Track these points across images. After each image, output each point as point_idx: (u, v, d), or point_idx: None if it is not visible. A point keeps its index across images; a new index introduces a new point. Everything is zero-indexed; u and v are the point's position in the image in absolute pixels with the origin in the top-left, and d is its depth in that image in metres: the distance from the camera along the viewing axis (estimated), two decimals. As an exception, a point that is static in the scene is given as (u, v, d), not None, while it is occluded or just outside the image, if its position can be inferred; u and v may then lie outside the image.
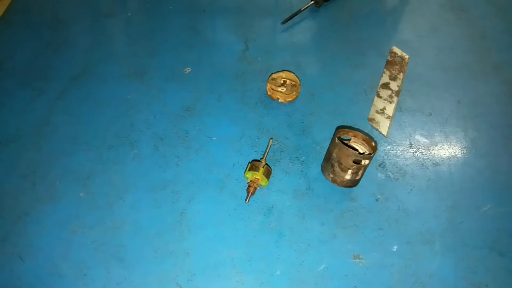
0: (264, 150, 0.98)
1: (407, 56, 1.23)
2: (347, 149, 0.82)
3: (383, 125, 1.05)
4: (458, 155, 1.01)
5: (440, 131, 1.05)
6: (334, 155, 0.86)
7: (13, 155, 0.96)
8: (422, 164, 0.98)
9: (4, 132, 1.01)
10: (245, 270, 0.81)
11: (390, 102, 1.10)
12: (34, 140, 0.99)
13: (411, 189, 0.94)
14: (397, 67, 1.19)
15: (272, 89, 1.06)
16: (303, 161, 0.98)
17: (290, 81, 1.07)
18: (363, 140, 0.89)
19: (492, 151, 1.02)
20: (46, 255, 0.81)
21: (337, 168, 0.88)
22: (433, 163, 0.99)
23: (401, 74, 1.18)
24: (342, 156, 0.84)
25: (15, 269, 0.80)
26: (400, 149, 1.01)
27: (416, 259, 0.83)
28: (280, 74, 1.09)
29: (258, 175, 0.88)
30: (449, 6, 1.40)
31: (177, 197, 0.90)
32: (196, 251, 0.83)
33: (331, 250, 0.84)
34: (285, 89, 1.06)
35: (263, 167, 0.89)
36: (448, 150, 1.02)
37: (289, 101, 1.08)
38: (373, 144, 0.87)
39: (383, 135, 1.03)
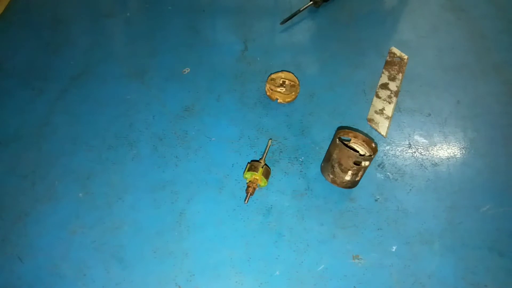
0: (263, 150, 0.98)
1: (406, 57, 1.23)
2: (348, 150, 0.82)
3: (382, 126, 1.05)
4: (457, 156, 1.01)
5: (439, 131, 1.05)
6: (335, 156, 0.86)
7: (13, 155, 0.97)
8: (421, 164, 0.98)
9: (4, 132, 1.01)
10: (244, 271, 0.81)
11: (389, 103, 1.10)
12: (34, 140, 0.99)
13: (410, 190, 0.94)
14: (396, 67, 1.19)
15: (271, 90, 1.06)
16: (302, 162, 0.98)
17: (289, 82, 1.07)
18: (363, 141, 0.89)
19: (492, 152, 1.02)
20: (45, 255, 0.82)
21: (337, 169, 0.88)
22: (432, 164, 0.99)
23: (400, 74, 1.18)
24: (343, 157, 0.84)
25: (14, 269, 0.80)
26: (399, 150, 1.01)
27: (415, 260, 0.83)
28: (279, 74, 1.09)
29: (257, 176, 0.88)
30: (449, 6, 1.40)
31: (176, 197, 0.91)
32: (195, 251, 0.83)
33: (330, 250, 0.84)
34: (284, 90, 1.06)
35: (262, 167, 0.89)
36: (447, 151, 1.02)
37: (288, 102, 1.08)
38: (373, 145, 0.87)
39: (382, 135, 1.03)
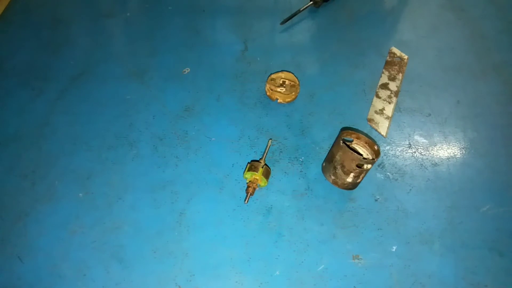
0: (263, 150, 0.98)
1: (406, 57, 1.23)
2: (352, 153, 0.82)
3: (382, 126, 1.05)
4: (457, 156, 1.01)
5: (439, 131, 1.05)
6: (338, 157, 0.86)
7: (13, 155, 0.97)
8: (421, 164, 0.98)
9: (4, 132, 1.01)
10: (244, 271, 0.81)
11: (389, 103, 1.10)
12: (34, 140, 0.99)
13: (410, 190, 0.94)
14: (396, 67, 1.19)
15: (271, 90, 1.06)
16: (302, 162, 0.98)
17: (289, 82, 1.07)
18: (366, 143, 0.89)
19: (492, 152, 1.01)
20: (45, 255, 0.82)
21: (339, 171, 0.87)
22: (432, 164, 0.99)
23: (400, 74, 1.18)
24: (346, 159, 0.84)
25: (14, 269, 0.80)
26: (399, 150, 1.01)
27: (415, 260, 0.83)
28: (279, 74, 1.09)
29: (257, 176, 0.88)
30: (449, 6, 1.40)
31: (176, 197, 0.90)
32: (195, 252, 0.83)
33: (330, 250, 0.84)
34: (284, 90, 1.06)
35: (262, 167, 0.89)
36: (447, 151, 1.02)
37: (288, 102, 1.08)
38: (375, 147, 0.87)
39: (382, 135, 1.03)
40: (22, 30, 1.27)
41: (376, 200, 0.92)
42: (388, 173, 0.96)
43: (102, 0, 1.39)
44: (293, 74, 1.10)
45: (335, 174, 0.89)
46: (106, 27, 1.30)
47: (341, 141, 0.84)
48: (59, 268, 0.80)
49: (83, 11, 1.34)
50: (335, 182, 0.91)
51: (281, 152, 0.99)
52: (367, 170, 0.86)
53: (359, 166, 0.84)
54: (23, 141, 0.99)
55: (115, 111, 1.06)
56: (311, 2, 1.33)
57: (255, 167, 0.89)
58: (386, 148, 1.01)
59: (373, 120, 1.06)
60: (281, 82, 1.07)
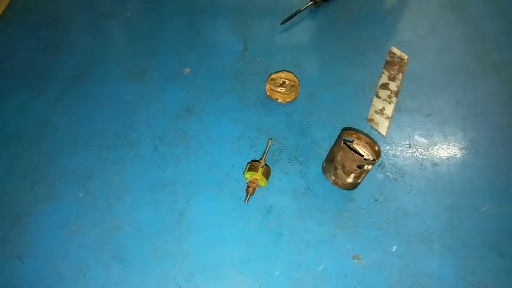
0: (263, 150, 0.98)
1: (406, 57, 1.23)
2: (353, 153, 0.82)
3: (382, 126, 1.05)
4: (457, 156, 1.01)
5: (439, 131, 1.05)
6: (339, 158, 0.86)
7: (13, 155, 0.97)
8: (421, 164, 0.98)
9: (4, 132, 1.01)
10: (244, 271, 0.81)
11: (389, 103, 1.10)
12: (34, 140, 0.99)
13: (410, 190, 0.94)
14: (396, 67, 1.19)
15: (271, 90, 1.06)
16: (302, 162, 0.98)
17: (289, 82, 1.07)
18: (366, 143, 0.89)
19: (492, 152, 1.01)
20: (45, 255, 0.82)
21: (340, 171, 0.87)
22: (432, 164, 0.99)
23: (400, 74, 1.18)
24: (347, 160, 0.84)
25: (14, 269, 0.80)
26: (399, 150, 1.01)
27: (415, 260, 0.83)
28: (279, 74, 1.09)
29: (257, 176, 0.88)
30: (449, 6, 1.40)
31: (176, 197, 0.90)
32: (195, 252, 0.83)
33: (330, 250, 0.84)
34: (284, 90, 1.06)
35: (262, 167, 0.89)
36: (447, 151, 1.02)
37: (288, 102, 1.08)
38: (376, 148, 0.87)
39: (382, 135, 1.03)
40: (22, 30, 1.27)
41: (376, 200, 0.92)
42: (388, 173, 0.96)
43: (102, 0, 1.39)
44: (293, 74, 1.10)
45: (335, 174, 0.89)
46: (106, 27, 1.30)
47: (342, 142, 0.84)
48: (59, 268, 0.80)
49: (83, 11, 1.34)
50: (335, 183, 0.91)
51: (281, 152, 0.99)
52: (368, 170, 0.86)
53: (360, 166, 0.84)
54: (23, 141, 0.99)
55: (115, 111, 1.06)
56: (311, 2, 1.33)
57: (255, 167, 0.89)
58: (386, 148, 1.01)
59: (373, 120, 1.06)
60: (281, 82, 1.07)
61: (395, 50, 1.24)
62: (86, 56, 1.20)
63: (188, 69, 1.17)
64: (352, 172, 0.85)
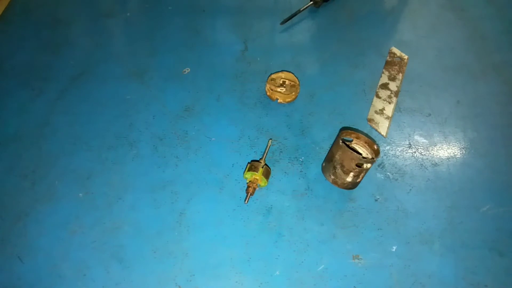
0: (263, 150, 0.98)
1: (406, 57, 1.23)
2: (351, 152, 0.82)
3: (382, 126, 1.05)
4: (457, 156, 1.01)
5: (439, 131, 1.05)
6: (337, 157, 0.86)
7: (13, 155, 0.97)
8: (421, 164, 0.98)
9: (4, 132, 1.01)
10: (244, 271, 0.81)
11: (389, 103, 1.10)
12: (34, 140, 0.99)
13: (410, 190, 0.94)
14: (396, 67, 1.19)
15: (271, 90, 1.06)
16: (302, 162, 0.98)
17: (289, 82, 1.07)
18: (365, 143, 0.89)
19: (492, 152, 1.01)
20: (45, 255, 0.82)
21: (339, 170, 0.87)
22: (432, 164, 0.99)
23: (400, 74, 1.18)
24: (346, 159, 0.84)
25: (14, 269, 0.80)
26: (399, 150, 1.01)
27: (415, 260, 0.83)
28: (279, 74, 1.09)
29: (257, 176, 0.88)
30: (449, 6, 1.40)
31: (176, 197, 0.90)
32: (195, 252, 0.83)
33: (330, 250, 0.84)
34: (284, 90, 1.06)
35: (262, 167, 0.89)
36: (447, 151, 1.02)
37: (288, 102, 1.08)
38: (375, 147, 0.87)
39: (382, 135, 1.03)
40: (22, 30, 1.27)
41: (376, 200, 0.92)
42: (388, 173, 0.96)
43: (102, 0, 1.39)
44: (293, 74, 1.10)
45: (334, 173, 0.89)
46: (106, 27, 1.30)
47: (341, 141, 0.84)
48: (59, 268, 0.80)
49: (83, 11, 1.34)
50: (335, 182, 0.91)
51: (281, 152, 0.99)
52: (367, 169, 0.86)
53: (359, 165, 0.84)
54: (23, 141, 0.99)
55: (115, 111, 1.06)
56: (311, 2, 1.33)
57: (255, 167, 0.89)
58: (386, 148, 1.01)
59: (373, 120, 1.06)
60: (281, 82, 1.07)
61: (395, 50, 1.24)
62: (86, 56, 1.20)
63: (188, 69, 1.17)
64: (351, 171, 0.85)
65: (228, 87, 1.12)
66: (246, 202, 0.88)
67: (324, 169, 0.94)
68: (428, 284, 0.80)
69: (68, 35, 1.26)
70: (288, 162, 0.97)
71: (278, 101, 1.07)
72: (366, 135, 1.01)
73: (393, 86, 1.15)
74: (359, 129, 1.04)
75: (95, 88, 1.11)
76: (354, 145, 0.91)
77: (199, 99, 1.09)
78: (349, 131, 0.89)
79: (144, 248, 0.83)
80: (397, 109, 1.10)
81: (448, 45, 1.27)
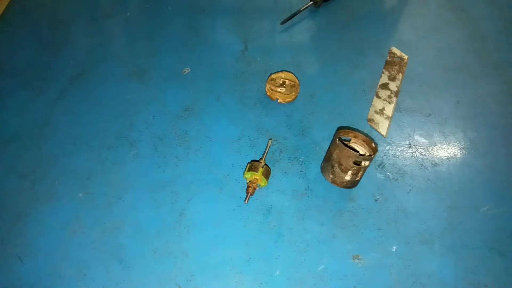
0: (263, 150, 0.98)
1: (406, 57, 1.23)
2: (348, 150, 0.82)
3: (382, 126, 1.05)
4: (457, 156, 1.01)
5: (439, 131, 1.05)
6: (335, 155, 0.86)
7: (13, 155, 0.97)
8: (421, 164, 0.98)
9: (4, 132, 1.01)
10: (244, 271, 0.81)
11: (389, 103, 1.10)
12: (34, 140, 0.99)
13: (410, 190, 0.94)
14: (396, 67, 1.19)
15: (271, 90, 1.06)
16: (302, 162, 0.98)
17: (289, 82, 1.07)
18: (363, 141, 0.89)
19: (492, 152, 1.01)
20: (45, 255, 0.82)
21: (337, 169, 0.88)
22: (432, 164, 0.99)
23: (400, 74, 1.18)
24: (343, 157, 0.84)
25: (14, 269, 0.80)
26: (399, 150, 1.01)
27: (415, 260, 0.83)
28: (279, 74, 1.09)
29: (257, 176, 0.88)
30: (449, 6, 1.40)
31: (176, 197, 0.90)
32: (195, 252, 0.83)
33: (330, 250, 0.84)
34: (284, 90, 1.06)
35: (262, 167, 0.89)
36: (447, 151, 1.02)
37: (288, 102, 1.08)
38: (373, 145, 0.87)
39: (382, 135, 1.03)
40: (22, 30, 1.27)
41: (376, 200, 0.92)
42: (388, 173, 0.96)
43: (102, 0, 1.39)
44: (293, 74, 1.10)
45: (333, 172, 0.89)
46: (106, 27, 1.30)
47: (337, 139, 0.84)
48: (59, 268, 0.80)
49: (83, 11, 1.34)
50: (333, 181, 0.91)
51: (281, 152, 0.99)
52: (365, 167, 0.86)
53: (357, 163, 0.84)
54: (23, 141, 0.99)
55: (115, 111, 1.06)
56: (311, 2, 1.33)
57: (255, 167, 0.89)
58: (386, 148, 1.01)
59: (373, 120, 1.06)
60: (281, 82, 1.07)
61: (395, 50, 1.24)
62: (86, 56, 1.20)
63: (188, 69, 1.17)
64: (349, 169, 0.85)
65: (228, 87, 1.12)
66: (246, 202, 0.88)
67: (323, 169, 0.94)
68: (428, 284, 0.80)
69: (68, 35, 1.26)
70: (288, 162, 0.97)
71: (278, 101, 1.07)
72: (365, 134, 1.01)
73: (393, 86, 1.15)
74: (359, 129, 1.04)
75: (95, 88, 1.11)
76: (353, 144, 0.91)
77: (199, 99, 1.09)
78: (347, 130, 0.90)
79: (144, 248, 0.83)
80: (397, 109, 1.10)
81: (448, 45, 1.27)
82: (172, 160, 0.97)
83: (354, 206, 0.90)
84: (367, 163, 0.84)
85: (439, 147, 1.02)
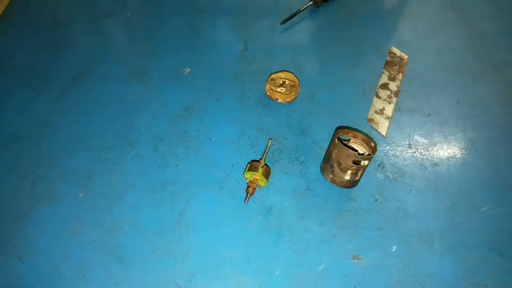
0: (263, 150, 0.98)
1: (406, 57, 1.23)
2: (347, 149, 0.82)
3: (382, 126, 1.05)
4: (457, 156, 1.01)
5: (439, 131, 1.05)
6: (334, 155, 0.87)
7: (13, 155, 0.97)
8: (421, 164, 0.98)
9: (4, 132, 1.01)
10: (244, 271, 0.81)
11: (389, 103, 1.10)
12: (34, 140, 0.99)
13: (410, 190, 0.94)
14: (396, 67, 1.19)
15: (271, 90, 1.06)
16: (302, 162, 0.98)
17: (289, 82, 1.07)
18: (363, 141, 0.89)
19: (492, 151, 1.01)
20: (45, 255, 0.82)
21: (336, 169, 0.88)
22: (432, 164, 0.99)
23: (400, 74, 1.18)
24: (342, 156, 0.85)
25: (14, 269, 0.80)
26: (399, 150, 1.01)
27: (415, 260, 0.83)
28: (279, 74, 1.09)
29: (257, 176, 0.88)
30: (449, 6, 1.40)
31: (176, 197, 0.90)
32: (195, 252, 0.83)
33: (330, 250, 0.84)
34: (284, 90, 1.06)
35: (262, 167, 0.89)
36: (447, 151, 1.02)
37: (288, 102, 1.08)
38: (372, 144, 0.87)
39: (382, 135, 1.03)
40: (22, 30, 1.27)
41: (376, 200, 0.92)
42: (388, 173, 0.96)
43: (102, 0, 1.39)
44: (293, 74, 1.10)
45: (332, 172, 0.89)
46: (106, 27, 1.30)
47: (336, 139, 0.84)
48: (59, 268, 0.80)
49: (83, 11, 1.34)
50: (333, 181, 0.91)
51: (281, 152, 0.99)
52: (365, 167, 0.86)
53: (356, 162, 0.84)
54: (23, 141, 0.99)
55: (115, 111, 1.06)
56: (311, 2, 1.33)
57: (255, 167, 0.89)
58: (386, 148, 1.01)
59: (373, 120, 1.06)
60: (281, 82, 1.07)
61: (395, 50, 1.24)
62: (86, 56, 1.20)
63: (188, 69, 1.17)
64: (348, 169, 0.85)
65: (228, 87, 1.12)
66: (246, 202, 0.88)
67: (322, 169, 0.94)
68: (428, 284, 0.80)
69: (68, 35, 1.26)
70: (288, 162, 0.97)
71: (278, 101, 1.07)
72: (364, 134, 1.01)
73: (393, 86, 1.15)
74: (359, 129, 1.04)
75: (95, 88, 1.11)
76: (352, 144, 0.91)
77: (199, 99, 1.09)
78: (346, 130, 0.90)
79: (144, 248, 0.83)
80: (397, 109, 1.10)
81: (448, 45, 1.27)
82: (172, 160, 0.97)
83: (354, 206, 0.90)
84: (366, 162, 0.84)
85: (439, 147, 1.02)
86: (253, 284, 0.80)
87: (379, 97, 1.12)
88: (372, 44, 1.26)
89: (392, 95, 1.12)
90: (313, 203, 0.91)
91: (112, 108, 1.07)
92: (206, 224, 0.87)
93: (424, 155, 1.00)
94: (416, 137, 1.04)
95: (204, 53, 1.21)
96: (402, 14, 1.38)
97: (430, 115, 1.09)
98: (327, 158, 0.90)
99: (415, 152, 1.01)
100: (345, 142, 0.88)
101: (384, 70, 1.18)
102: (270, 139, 1.00)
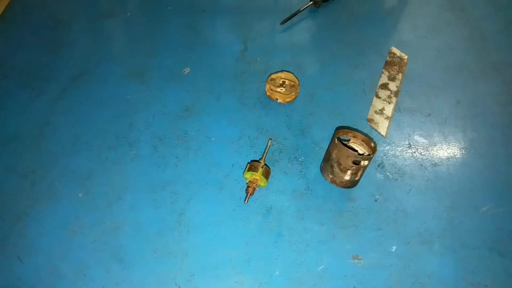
0: (263, 150, 0.98)
1: (406, 57, 1.23)
2: (347, 149, 0.82)
3: (382, 126, 1.05)
4: (457, 156, 1.01)
5: (439, 131, 1.05)
6: (334, 155, 0.87)
7: (13, 155, 0.97)
8: (421, 164, 0.98)
9: (4, 132, 1.01)
10: (244, 271, 0.81)
11: (389, 103, 1.10)
12: (34, 140, 0.99)
13: (410, 190, 0.94)
14: (396, 67, 1.19)
15: (271, 90, 1.06)
16: (302, 162, 0.98)
17: (289, 82, 1.07)
18: (362, 141, 0.89)
19: (491, 152, 1.01)
20: (45, 255, 0.82)
21: (336, 169, 0.88)
22: (432, 164, 0.99)
23: (400, 74, 1.18)
24: (342, 156, 0.85)
25: (14, 269, 0.80)
26: (399, 150, 1.01)
27: (415, 260, 0.83)
28: (279, 74, 1.09)
29: (257, 176, 0.88)
30: (449, 6, 1.40)
31: (176, 197, 0.91)
32: (195, 252, 0.83)
33: (330, 250, 0.84)
34: (284, 90, 1.06)
35: (262, 167, 0.89)
36: (447, 151, 1.02)
37: (288, 102, 1.08)
38: (372, 145, 0.87)
39: (382, 135, 1.03)
40: (22, 30, 1.27)
41: (376, 200, 0.92)
42: (388, 173, 0.96)
43: (102, 0, 1.39)
44: (293, 74, 1.10)
45: (332, 172, 0.89)
46: (106, 27, 1.30)
47: (336, 139, 0.84)
48: (59, 268, 0.80)
49: (83, 11, 1.34)
50: (333, 181, 0.91)
51: (281, 152, 0.99)
52: (365, 167, 0.86)
53: (356, 162, 0.84)
54: (23, 141, 0.99)
55: (115, 111, 1.06)
56: (311, 2, 1.33)
57: (255, 167, 0.89)
58: (386, 148, 1.01)
59: (373, 120, 1.06)
60: (281, 82, 1.07)
61: (395, 50, 1.24)
62: (86, 56, 1.20)
63: (188, 69, 1.17)
64: (348, 169, 0.85)
65: (228, 87, 1.12)
66: (246, 202, 0.88)
67: (322, 169, 0.94)
68: (428, 284, 0.80)
69: (68, 35, 1.26)
70: (288, 162, 0.97)
71: (278, 101, 1.07)
72: (364, 134, 1.01)
73: (393, 86, 1.15)
74: (359, 129, 1.04)
75: (95, 88, 1.11)
76: (352, 144, 0.91)
77: (199, 99, 1.09)
78: (346, 130, 0.90)
79: (144, 248, 0.83)
80: (397, 109, 1.10)
81: (448, 45, 1.27)
82: (172, 160, 0.97)
83: (354, 206, 0.90)
84: (366, 162, 0.84)
85: (439, 147, 1.02)
86: (253, 284, 0.80)
87: (379, 97, 1.12)
88: (372, 44, 1.26)
89: (392, 95, 1.12)
90: (313, 203, 0.91)
91: (112, 108, 1.07)
92: (206, 224, 0.87)
93: (424, 155, 1.00)
94: (416, 137, 1.04)
95: (204, 53, 1.21)
96: (402, 14, 1.38)
97: (430, 115, 1.09)
98: (327, 158, 0.90)
99: (415, 152, 1.01)
100: (345, 142, 0.88)
101: (384, 70, 1.18)
102: (270, 139, 1.00)
